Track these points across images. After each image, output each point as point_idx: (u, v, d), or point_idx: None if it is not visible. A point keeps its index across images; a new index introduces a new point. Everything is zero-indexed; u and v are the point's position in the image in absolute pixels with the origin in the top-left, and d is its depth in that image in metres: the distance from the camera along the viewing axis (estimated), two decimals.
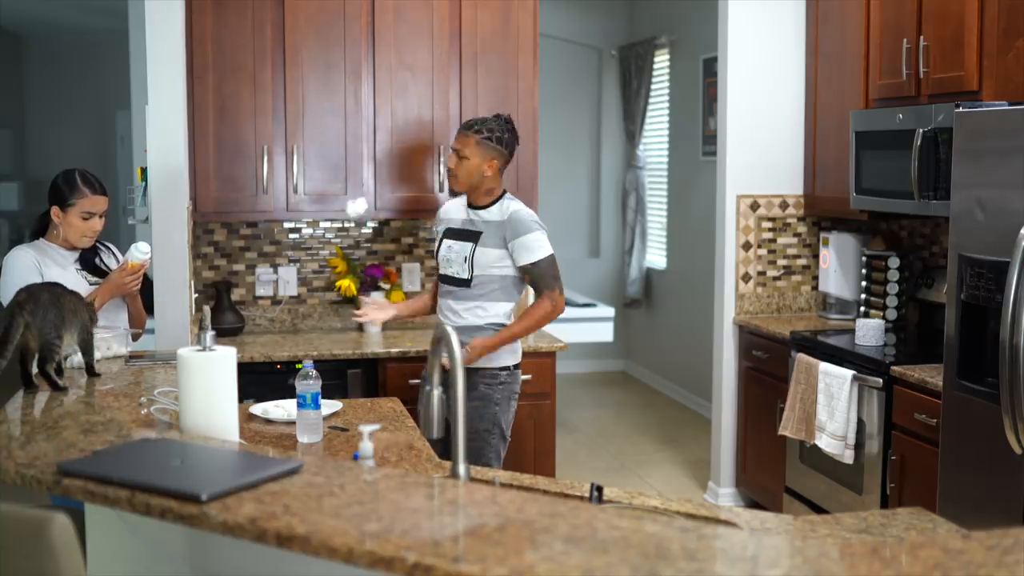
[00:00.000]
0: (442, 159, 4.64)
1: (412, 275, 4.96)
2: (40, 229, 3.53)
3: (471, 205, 3.76)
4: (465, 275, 3.69)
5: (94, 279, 3.51)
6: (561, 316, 6.39)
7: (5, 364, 2.65)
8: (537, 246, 3.65)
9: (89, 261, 3.54)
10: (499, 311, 3.70)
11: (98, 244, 3.57)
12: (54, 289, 2.85)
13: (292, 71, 4.52)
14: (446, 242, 3.77)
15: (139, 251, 3.45)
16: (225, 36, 4.44)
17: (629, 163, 8.21)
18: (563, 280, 3.78)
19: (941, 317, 4.06)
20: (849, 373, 4.08)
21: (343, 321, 4.96)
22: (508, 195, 3.77)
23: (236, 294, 4.85)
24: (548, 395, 4.47)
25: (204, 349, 2.35)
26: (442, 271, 3.77)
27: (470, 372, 3.69)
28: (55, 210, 3.44)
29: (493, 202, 3.72)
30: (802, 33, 5.10)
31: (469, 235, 3.71)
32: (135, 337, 3.65)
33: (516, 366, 3.76)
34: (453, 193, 3.78)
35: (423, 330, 4.78)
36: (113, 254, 3.66)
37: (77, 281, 3.39)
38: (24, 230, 8.43)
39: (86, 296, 3.13)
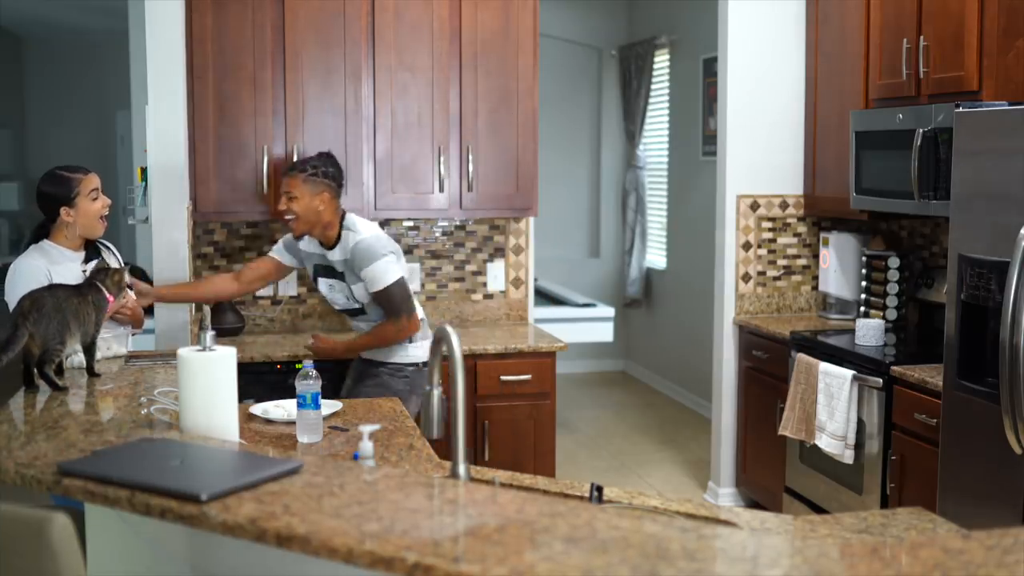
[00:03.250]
0: (442, 159, 4.64)
1: (412, 275, 4.96)
2: (42, 234, 3.49)
3: (322, 244, 3.86)
4: (356, 305, 3.84)
5: None
6: (561, 316, 6.36)
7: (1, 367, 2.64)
8: (382, 275, 3.72)
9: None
10: None
11: (98, 243, 3.56)
12: (58, 293, 2.81)
13: (292, 71, 4.52)
14: (324, 280, 3.90)
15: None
16: (225, 36, 4.44)
17: (629, 163, 8.21)
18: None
19: (941, 317, 4.07)
20: (849, 373, 4.08)
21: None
22: (346, 224, 3.80)
23: None
24: (548, 395, 4.47)
25: (204, 349, 2.34)
26: (334, 305, 3.93)
27: (374, 362, 3.90)
28: (64, 211, 3.35)
29: (336, 240, 3.80)
30: (802, 33, 5.10)
31: (337, 274, 3.84)
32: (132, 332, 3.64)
33: (424, 364, 3.83)
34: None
35: None
36: (113, 253, 3.65)
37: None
38: (24, 230, 8.42)
39: None
